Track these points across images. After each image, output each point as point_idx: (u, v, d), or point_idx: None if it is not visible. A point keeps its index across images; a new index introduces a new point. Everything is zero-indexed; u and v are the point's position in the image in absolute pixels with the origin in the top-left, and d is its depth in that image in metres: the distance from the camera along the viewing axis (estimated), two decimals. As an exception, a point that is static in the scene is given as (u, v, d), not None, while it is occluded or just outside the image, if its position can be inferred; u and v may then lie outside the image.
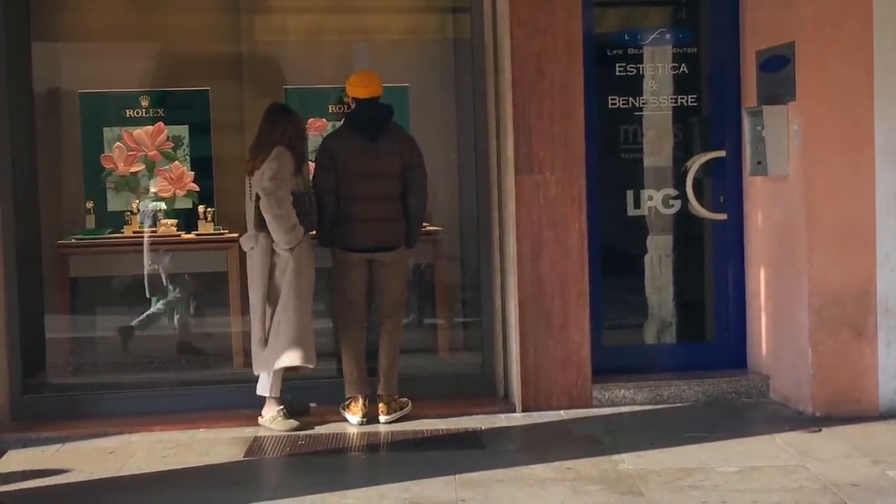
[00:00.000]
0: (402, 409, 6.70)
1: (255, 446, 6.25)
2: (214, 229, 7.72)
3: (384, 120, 6.67)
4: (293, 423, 6.54)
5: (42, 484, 5.66)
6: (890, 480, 5.35)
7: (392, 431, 6.51)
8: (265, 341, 6.51)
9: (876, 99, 6.55)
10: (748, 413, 6.82)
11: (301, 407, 6.78)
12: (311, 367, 6.57)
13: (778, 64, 6.84)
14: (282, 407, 6.57)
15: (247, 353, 7.81)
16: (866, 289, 6.61)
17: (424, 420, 6.70)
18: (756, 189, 7.23)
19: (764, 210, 7.16)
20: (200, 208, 7.75)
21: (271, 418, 6.55)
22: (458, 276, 8.02)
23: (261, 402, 6.65)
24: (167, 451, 6.20)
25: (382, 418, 6.61)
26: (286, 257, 6.44)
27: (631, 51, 7.48)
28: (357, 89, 6.69)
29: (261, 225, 6.49)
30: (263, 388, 6.62)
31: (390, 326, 6.69)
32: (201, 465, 5.97)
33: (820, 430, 6.30)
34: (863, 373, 6.61)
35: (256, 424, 6.61)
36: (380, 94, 6.70)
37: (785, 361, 6.94)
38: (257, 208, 6.47)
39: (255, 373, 6.63)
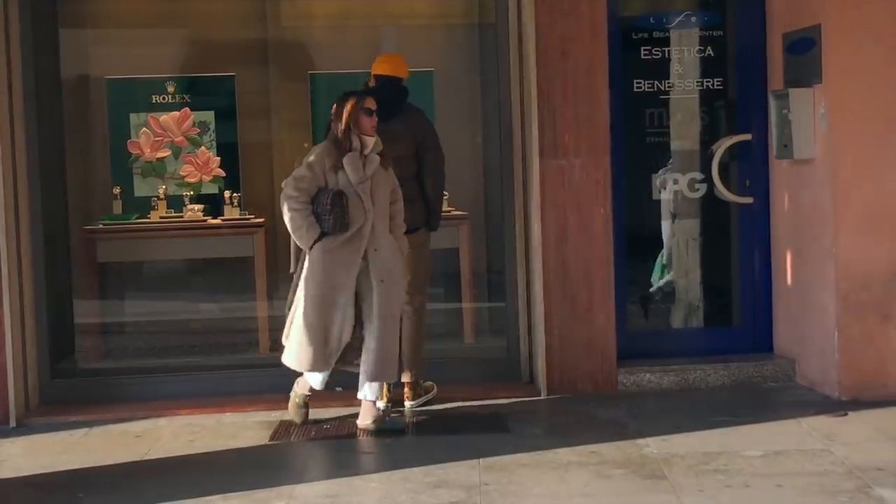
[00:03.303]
0: (426, 393, 6.71)
1: (280, 430, 6.29)
2: (240, 214, 7.76)
3: (398, 101, 6.57)
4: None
5: (70, 467, 5.72)
6: (916, 465, 5.33)
7: (417, 415, 6.53)
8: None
9: (903, 81, 6.51)
10: (774, 397, 6.80)
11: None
12: (311, 371, 6.20)
13: (804, 46, 6.79)
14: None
15: (277, 339, 7.91)
16: (894, 272, 6.56)
17: (449, 404, 6.72)
18: (782, 172, 7.19)
19: (790, 193, 7.13)
20: (226, 193, 7.78)
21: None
22: (483, 260, 8.03)
23: (287, 386, 6.66)
24: (194, 435, 6.25)
25: (407, 403, 6.63)
26: (308, 259, 6.11)
27: (656, 34, 7.44)
28: (380, 65, 6.66)
29: None
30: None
31: (412, 310, 6.66)
32: (228, 448, 6.01)
33: (846, 415, 6.28)
34: (889, 357, 6.57)
35: (282, 408, 6.63)
36: (402, 76, 6.65)
37: (811, 346, 6.91)
38: None
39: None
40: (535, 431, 6.27)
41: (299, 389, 6.39)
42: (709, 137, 7.49)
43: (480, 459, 5.58)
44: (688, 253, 7.65)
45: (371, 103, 6.08)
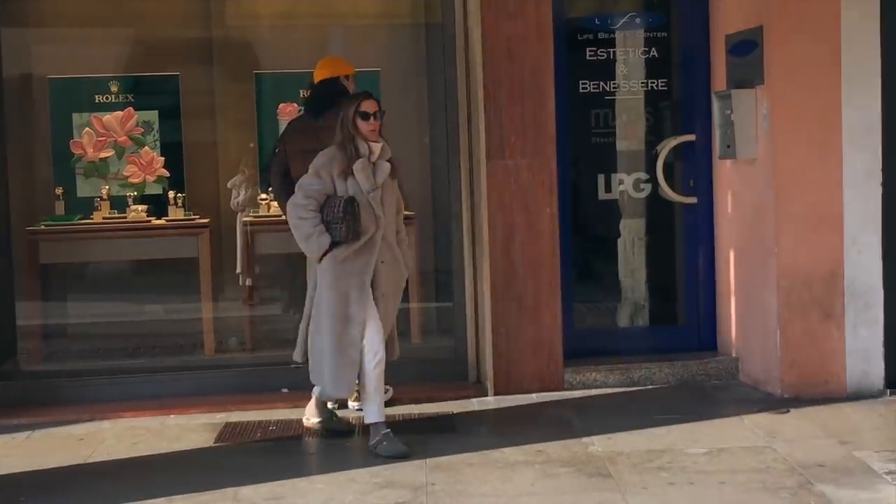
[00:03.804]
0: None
1: (225, 432, 6.25)
2: (185, 215, 7.70)
3: (329, 97, 6.42)
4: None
5: (12, 471, 5.64)
6: (856, 461, 5.39)
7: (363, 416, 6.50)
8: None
9: (844, 81, 6.58)
10: (717, 395, 6.86)
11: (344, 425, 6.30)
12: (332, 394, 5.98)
13: (747, 48, 6.86)
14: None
15: (223, 340, 7.87)
16: (834, 271, 6.65)
17: (397, 405, 6.70)
18: (726, 172, 7.26)
19: (733, 193, 7.20)
20: (171, 194, 7.72)
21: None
22: (430, 260, 8.03)
23: (233, 388, 6.63)
24: (138, 438, 6.19)
25: (352, 405, 6.59)
26: (319, 268, 5.79)
27: (602, 35, 7.48)
28: (315, 73, 6.63)
29: None
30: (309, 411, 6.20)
31: None
32: (172, 451, 5.96)
33: (788, 412, 6.35)
34: (830, 355, 6.66)
35: (227, 410, 6.59)
36: (337, 75, 6.52)
37: (754, 344, 6.98)
38: None
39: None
40: (481, 431, 6.29)
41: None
42: (654, 138, 7.54)
43: (427, 459, 5.59)
44: (634, 252, 7.70)
45: (368, 106, 5.77)
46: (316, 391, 6.09)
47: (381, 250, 5.77)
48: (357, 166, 5.70)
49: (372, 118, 5.75)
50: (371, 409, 5.77)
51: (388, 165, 5.81)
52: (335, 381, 5.78)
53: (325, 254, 5.70)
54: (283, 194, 6.47)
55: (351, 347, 5.72)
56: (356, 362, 5.74)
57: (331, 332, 5.72)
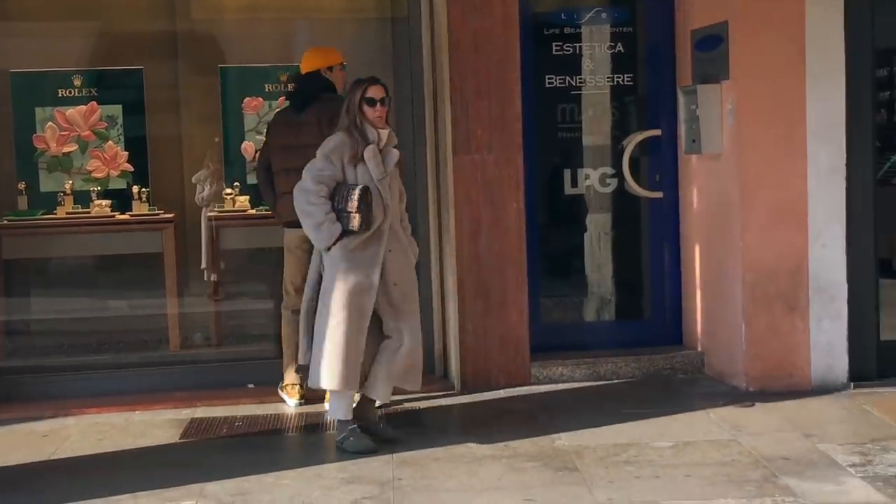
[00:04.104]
0: None
1: (191, 428, 6.22)
2: (149, 209, 7.64)
3: (311, 91, 6.44)
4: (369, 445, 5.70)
5: (-26, 468, 5.60)
6: (820, 453, 5.43)
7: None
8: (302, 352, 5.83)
9: (808, 76, 6.62)
10: (683, 389, 6.89)
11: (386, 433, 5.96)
12: (349, 391, 5.71)
13: (712, 43, 6.89)
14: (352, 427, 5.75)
15: (188, 336, 7.82)
16: (799, 265, 6.69)
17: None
18: (691, 167, 7.29)
19: (699, 188, 7.23)
20: (135, 189, 7.66)
21: (343, 438, 5.73)
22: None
23: (198, 384, 6.59)
24: (102, 434, 6.15)
25: (327, 405, 6.53)
26: (327, 259, 5.65)
27: (568, 30, 7.49)
28: (301, 64, 6.60)
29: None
30: (330, 409, 5.89)
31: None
32: (137, 447, 5.92)
33: (753, 405, 6.38)
34: (795, 348, 6.70)
35: (193, 406, 6.56)
36: (319, 67, 6.52)
37: (719, 338, 7.02)
38: None
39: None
40: (448, 426, 6.29)
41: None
42: (620, 133, 7.56)
43: (394, 455, 5.58)
44: (600, 247, 7.71)
45: (374, 92, 5.66)
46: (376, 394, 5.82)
47: (389, 239, 5.69)
48: (368, 153, 5.59)
49: (378, 104, 5.66)
50: (336, 405, 5.74)
51: (397, 153, 5.74)
52: (331, 373, 5.59)
53: (335, 242, 5.58)
54: (267, 188, 6.47)
55: (360, 339, 5.62)
56: (361, 355, 5.64)
57: (340, 324, 5.56)
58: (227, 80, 7.83)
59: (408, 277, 5.81)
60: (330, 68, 6.53)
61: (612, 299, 7.74)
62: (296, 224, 5.91)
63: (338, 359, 5.58)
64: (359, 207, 5.51)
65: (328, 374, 5.60)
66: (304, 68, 6.55)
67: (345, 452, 5.62)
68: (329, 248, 5.60)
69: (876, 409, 6.26)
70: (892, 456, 5.36)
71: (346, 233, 5.56)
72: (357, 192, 5.52)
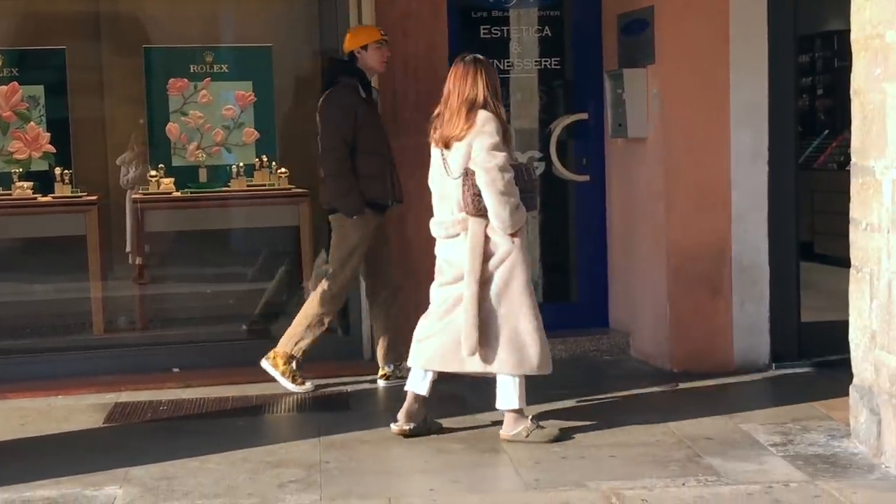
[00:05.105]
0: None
1: (115, 412, 6.15)
2: (72, 192, 7.53)
3: (327, 78, 6.59)
4: (553, 432, 5.50)
5: None
6: (743, 433, 5.51)
7: (257, 395, 6.46)
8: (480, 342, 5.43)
9: (732, 61, 6.70)
10: (609, 371, 6.96)
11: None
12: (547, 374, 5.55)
13: (638, 27, 6.94)
14: (530, 417, 5.54)
15: (112, 319, 7.70)
16: (722, 248, 6.78)
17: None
18: (617, 151, 7.35)
19: (625, 172, 7.29)
20: (57, 170, 7.54)
21: (526, 431, 5.46)
22: (325, 238, 7.96)
23: (123, 368, 6.48)
24: (25, 419, 6.05)
25: (284, 381, 6.51)
26: (505, 244, 5.39)
27: (496, 13, 7.51)
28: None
29: (477, 207, 5.38)
30: (509, 400, 5.51)
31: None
32: (60, 432, 5.84)
33: (677, 386, 6.47)
34: (718, 330, 6.79)
35: (118, 390, 6.48)
36: (345, 51, 6.54)
37: (645, 320, 7.09)
38: (467, 188, 5.39)
39: (468, 370, 5.55)
40: (376, 409, 6.29)
41: (522, 425, 5.49)
42: (547, 116, 7.60)
43: (321, 438, 5.56)
44: (528, 230, 7.72)
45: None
46: (421, 388, 5.60)
47: None
48: (510, 134, 5.56)
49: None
50: (520, 392, 5.52)
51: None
52: (544, 358, 5.45)
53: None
54: (348, 173, 6.40)
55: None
56: None
57: (532, 309, 5.41)
58: (151, 61, 7.72)
59: None
60: (364, 47, 6.49)
61: (540, 282, 7.77)
62: (379, 206, 6.40)
63: (544, 342, 5.46)
64: (536, 188, 5.52)
65: (543, 357, 5.44)
66: (346, 48, 6.55)
67: (533, 445, 5.39)
68: (515, 233, 5.41)
69: (797, 389, 6.37)
70: (813, 435, 5.46)
71: None
72: (532, 171, 5.49)
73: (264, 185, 7.70)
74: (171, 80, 7.65)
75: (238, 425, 5.96)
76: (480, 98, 5.39)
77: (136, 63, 7.75)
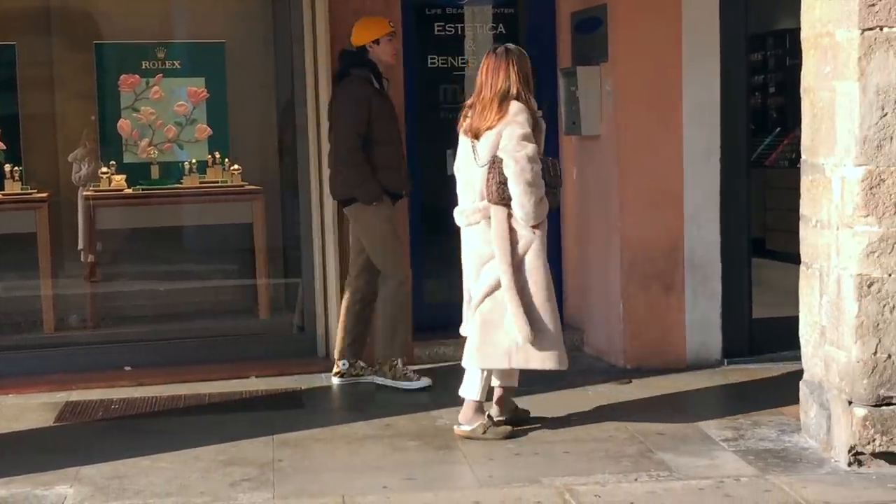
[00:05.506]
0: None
1: (66, 411, 6.09)
2: (22, 189, 7.44)
3: (338, 70, 6.56)
4: (508, 428, 5.52)
5: None
6: (694, 429, 5.55)
7: (210, 394, 6.42)
8: (532, 334, 5.34)
9: (684, 59, 6.74)
10: (563, 367, 6.97)
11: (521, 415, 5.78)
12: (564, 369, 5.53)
13: (591, 25, 6.97)
14: (487, 414, 5.54)
15: (63, 318, 7.63)
16: (675, 245, 6.82)
17: (244, 381, 6.64)
18: (571, 148, 7.37)
19: (578, 169, 7.32)
20: (7, 167, 7.45)
21: (483, 427, 5.46)
22: (278, 236, 7.94)
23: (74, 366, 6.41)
24: (-27, 419, 6.00)
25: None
26: (528, 236, 5.36)
27: (450, 10, 7.51)
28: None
29: (501, 197, 5.34)
30: (472, 390, 5.54)
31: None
32: (10, 431, 5.79)
33: (630, 382, 6.51)
34: (671, 327, 6.84)
35: (69, 389, 6.42)
36: (355, 44, 6.49)
37: (598, 316, 7.13)
38: (493, 176, 5.36)
39: (495, 365, 5.51)
40: (330, 406, 6.28)
41: (479, 421, 5.50)
42: (501, 113, 7.59)
43: (274, 436, 5.54)
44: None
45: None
46: (474, 393, 5.52)
47: None
48: (541, 125, 5.47)
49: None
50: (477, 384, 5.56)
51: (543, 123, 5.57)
52: (562, 353, 5.46)
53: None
54: (363, 164, 6.38)
55: None
56: None
57: (553, 303, 5.42)
58: (102, 57, 7.65)
59: None
60: (377, 41, 6.46)
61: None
62: (394, 195, 6.42)
63: (560, 339, 5.46)
64: (560, 183, 5.51)
65: (557, 356, 5.44)
66: (353, 41, 6.51)
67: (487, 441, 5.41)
68: (537, 226, 5.37)
69: (748, 385, 6.43)
70: (763, 430, 5.51)
71: None
72: (558, 165, 5.49)
73: (217, 182, 7.66)
74: (122, 76, 7.59)
75: (190, 423, 5.91)
76: (514, 90, 5.37)
77: (87, 59, 7.69)
